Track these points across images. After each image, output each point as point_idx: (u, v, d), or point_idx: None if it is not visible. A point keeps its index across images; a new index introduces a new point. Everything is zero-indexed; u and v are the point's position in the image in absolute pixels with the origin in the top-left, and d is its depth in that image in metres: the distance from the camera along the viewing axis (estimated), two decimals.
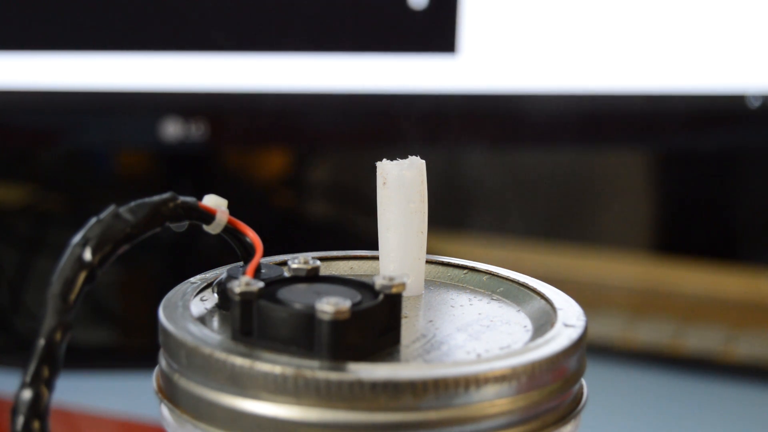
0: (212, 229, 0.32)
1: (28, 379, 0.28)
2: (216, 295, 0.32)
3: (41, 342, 0.28)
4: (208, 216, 0.31)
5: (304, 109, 0.69)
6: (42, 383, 0.28)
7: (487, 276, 0.34)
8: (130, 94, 0.67)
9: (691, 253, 0.85)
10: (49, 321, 0.28)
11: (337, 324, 0.28)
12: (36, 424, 0.27)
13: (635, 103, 0.71)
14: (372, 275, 0.34)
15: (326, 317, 0.28)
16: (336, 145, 0.80)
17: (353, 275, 0.34)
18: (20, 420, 0.27)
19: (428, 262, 0.34)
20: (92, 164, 0.85)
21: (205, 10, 0.67)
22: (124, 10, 0.66)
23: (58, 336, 0.28)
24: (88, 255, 0.29)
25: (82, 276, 0.29)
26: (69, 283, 0.28)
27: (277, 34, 0.67)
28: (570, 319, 0.30)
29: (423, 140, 0.71)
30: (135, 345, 0.71)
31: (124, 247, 0.29)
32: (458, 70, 0.69)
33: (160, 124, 0.67)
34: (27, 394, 0.27)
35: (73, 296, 0.28)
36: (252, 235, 0.32)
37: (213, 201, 0.32)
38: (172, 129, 0.67)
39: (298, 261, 0.31)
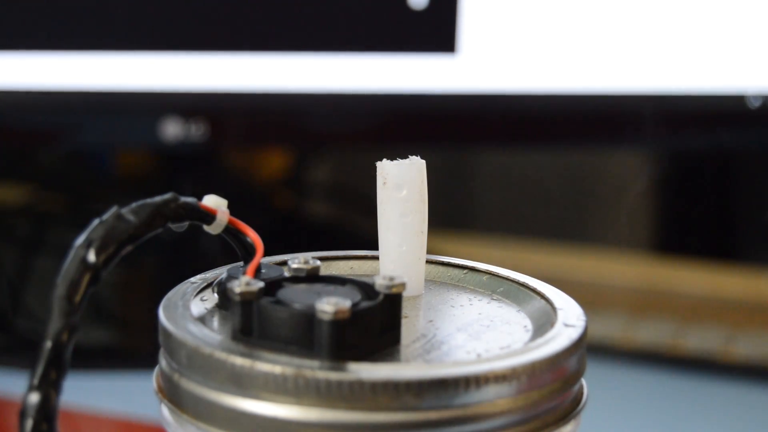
0: (213, 229, 0.32)
1: (35, 381, 0.28)
2: (216, 295, 0.32)
3: (48, 344, 0.28)
4: (209, 216, 0.31)
5: (304, 109, 0.69)
6: (50, 385, 0.28)
7: (487, 276, 0.34)
8: (130, 94, 0.67)
9: (691, 253, 0.85)
10: (55, 323, 0.28)
11: (337, 324, 0.28)
12: (44, 427, 0.27)
13: (635, 103, 0.71)
14: (372, 275, 0.34)
15: (326, 317, 0.28)
16: (336, 145, 0.80)
17: (353, 275, 0.34)
18: (29, 423, 0.27)
19: (428, 262, 0.34)
20: (92, 164, 0.85)
21: (205, 10, 0.67)
22: (124, 10, 0.66)
23: (64, 338, 0.28)
24: (92, 256, 0.29)
25: (87, 277, 0.29)
26: (74, 285, 0.28)
27: (277, 34, 0.67)
28: (570, 319, 0.30)
29: (423, 140, 0.71)
30: (135, 345, 0.71)
31: (128, 248, 0.29)
32: (458, 70, 0.69)
33: (160, 124, 0.67)
34: (35, 397, 0.27)
35: (78, 298, 0.28)
36: (252, 235, 0.32)
37: (213, 201, 0.32)
38: (172, 129, 0.67)
39: (298, 261, 0.31)
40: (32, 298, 0.72)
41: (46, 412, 0.27)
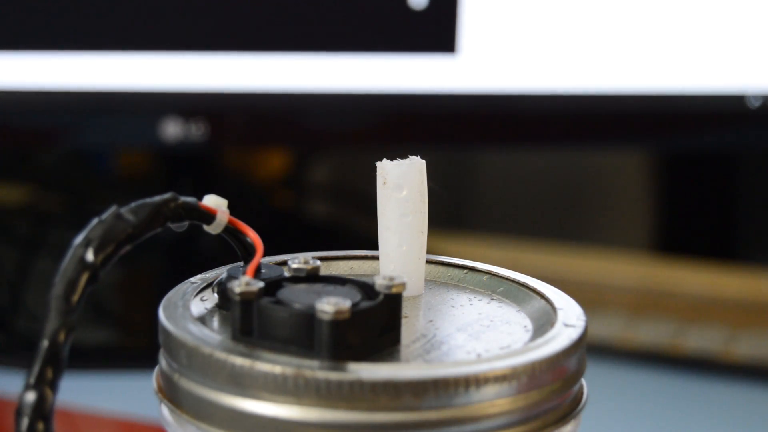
0: (213, 229, 0.32)
1: (32, 380, 0.28)
2: (216, 295, 0.32)
3: (45, 343, 0.28)
4: (209, 216, 0.31)
5: (304, 109, 0.69)
6: (46, 385, 0.28)
7: (487, 276, 0.34)
8: (130, 94, 0.67)
9: (691, 253, 0.85)
10: (52, 322, 0.28)
11: (337, 324, 0.28)
12: (40, 426, 0.27)
13: (635, 103, 0.71)
14: (372, 275, 0.34)
15: (326, 317, 0.28)
16: (336, 145, 0.80)
17: (353, 275, 0.34)
18: (25, 422, 0.27)
19: (428, 262, 0.34)
20: (92, 164, 0.85)
21: (205, 10, 0.67)
22: (125, 10, 0.66)
23: (61, 337, 0.28)
24: (90, 256, 0.29)
25: (85, 277, 0.29)
26: (72, 284, 0.28)
27: (276, 34, 0.67)
28: (570, 319, 0.30)
29: (423, 140, 0.71)
30: (135, 345, 0.71)
31: (126, 248, 0.29)
32: (458, 70, 0.69)
33: (160, 124, 0.67)
34: (31, 396, 0.27)
35: (75, 297, 0.28)
36: (252, 235, 0.32)
37: (213, 201, 0.32)
38: (172, 129, 0.67)
39: (298, 261, 0.31)
40: (32, 298, 0.72)
41: (42, 411, 0.27)
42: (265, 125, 0.70)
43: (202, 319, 0.31)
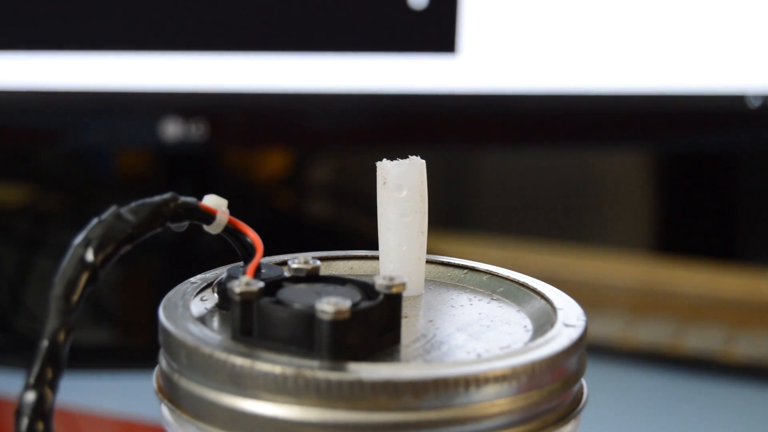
0: (213, 229, 0.32)
1: (32, 380, 0.28)
2: (216, 295, 0.32)
3: (44, 343, 0.28)
4: (209, 216, 0.31)
5: (304, 109, 0.69)
6: (46, 384, 0.28)
7: (487, 276, 0.34)
8: (130, 94, 0.67)
9: (691, 253, 0.85)
10: (52, 322, 0.28)
11: (337, 324, 0.28)
12: (40, 426, 0.27)
13: (635, 103, 0.71)
14: (372, 275, 0.34)
15: (326, 317, 0.28)
16: (336, 145, 0.80)
17: (353, 275, 0.34)
18: (24, 421, 0.27)
19: (428, 262, 0.34)
20: (92, 164, 0.85)
21: (205, 10, 0.67)
22: (124, 10, 0.66)
23: (61, 337, 0.28)
24: (90, 256, 0.29)
25: (85, 277, 0.29)
26: (71, 284, 0.28)
27: (277, 34, 0.67)
28: (570, 319, 0.30)
29: (423, 140, 0.71)
30: (135, 345, 0.71)
31: (126, 248, 0.29)
32: (458, 70, 0.69)
33: (160, 124, 0.67)
34: (31, 396, 0.27)
35: (75, 297, 0.28)
36: (252, 235, 0.32)
37: (213, 201, 0.32)
38: (172, 129, 0.67)
39: (298, 261, 0.31)
40: (32, 298, 0.72)
41: (42, 411, 0.27)
42: (265, 125, 0.70)
43: (202, 319, 0.31)
